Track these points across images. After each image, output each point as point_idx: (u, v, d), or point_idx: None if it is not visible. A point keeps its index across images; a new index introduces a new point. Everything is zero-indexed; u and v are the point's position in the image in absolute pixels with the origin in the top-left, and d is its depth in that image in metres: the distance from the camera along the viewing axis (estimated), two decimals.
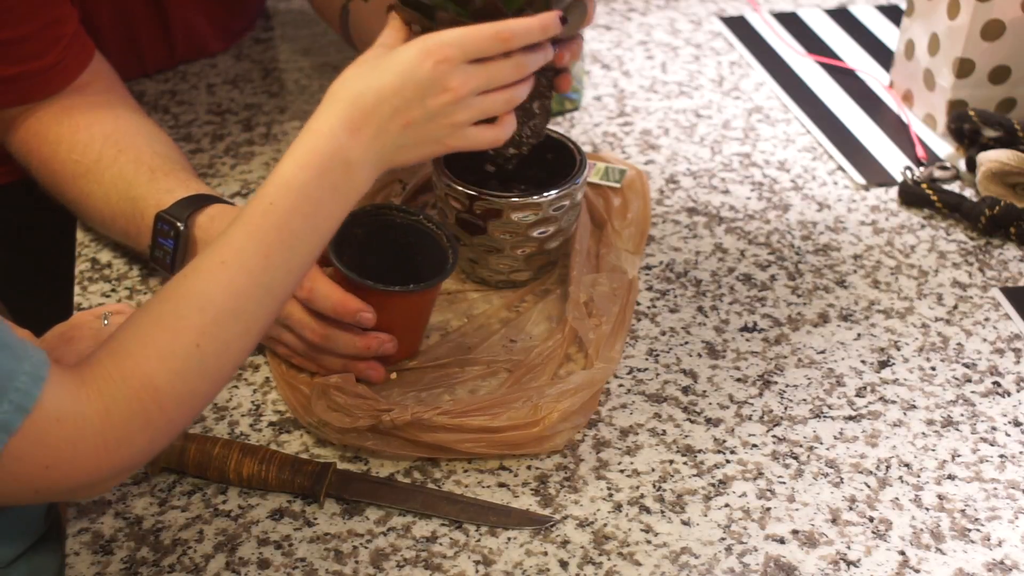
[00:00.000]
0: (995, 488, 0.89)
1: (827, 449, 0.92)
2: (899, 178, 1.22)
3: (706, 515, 0.86)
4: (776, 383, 0.98)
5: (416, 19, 0.85)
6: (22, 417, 0.70)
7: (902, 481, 0.89)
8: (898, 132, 1.30)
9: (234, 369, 0.79)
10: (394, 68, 0.81)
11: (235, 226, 0.78)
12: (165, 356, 0.75)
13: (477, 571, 0.82)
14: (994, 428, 0.94)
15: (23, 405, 0.70)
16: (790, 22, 1.52)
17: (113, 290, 1.06)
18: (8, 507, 0.88)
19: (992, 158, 1.17)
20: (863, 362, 1.00)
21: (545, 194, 0.99)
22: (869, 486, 0.89)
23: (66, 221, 1.15)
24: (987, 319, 1.05)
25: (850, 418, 0.94)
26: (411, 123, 0.81)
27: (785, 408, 0.95)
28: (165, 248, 1.00)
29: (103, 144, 1.06)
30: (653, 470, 0.90)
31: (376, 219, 0.97)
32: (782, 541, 0.84)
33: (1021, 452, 0.92)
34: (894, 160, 1.25)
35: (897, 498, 0.88)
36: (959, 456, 0.91)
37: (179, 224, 0.99)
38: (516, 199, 0.99)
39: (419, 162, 0.85)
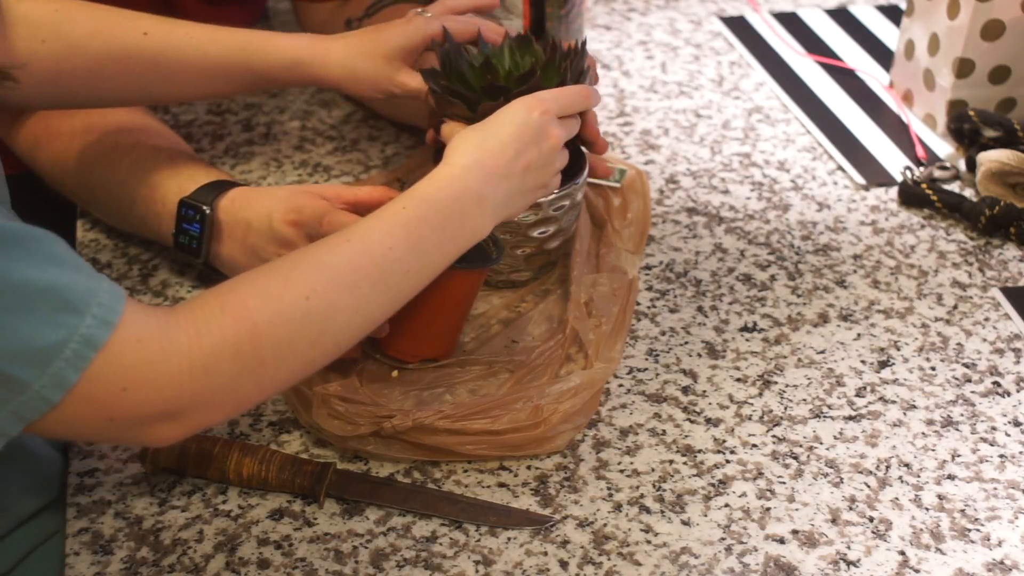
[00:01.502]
0: (995, 488, 0.89)
1: (827, 449, 0.92)
2: (899, 178, 1.22)
3: (706, 515, 0.86)
4: (776, 383, 0.98)
5: (459, 108, 0.96)
6: (108, 331, 0.69)
7: (902, 481, 0.89)
8: (898, 132, 1.30)
9: (335, 346, 0.79)
10: (508, 119, 0.89)
11: (364, 219, 0.82)
12: (271, 299, 0.76)
13: (477, 571, 0.82)
14: (994, 428, 0.94)
15: (108, 319, 0.69)
16: (790, 22, 1.52)
17: None
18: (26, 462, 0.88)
19: (992, 158, 1.17)
20: (863, 362, 1.00)
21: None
22: (869, 486, 0.89)
23: (66, 221, 1.15)
24: (987, 319, 1.05)
25: (850, 418, 0.95)
26: (529, 166, 0.88)
27: (785, 408, 0.95)
28: (191, 233, 1.01)
29: (118, 133, 1.07)
30: (653, 470, 0.90)
31: None
32: (782, 541, 0.84)
33: (1021, 452, 0.92)
34: (894, 160, 1.25)
35: (897, 498, 0.88)
36: (959, 456, 0.91)
37: (205, 208, 1.00)
38: None
39: (524, 209, 0.93)
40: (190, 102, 1.05)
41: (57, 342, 0.68)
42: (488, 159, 0.86)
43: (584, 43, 1.00)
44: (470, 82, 0.98)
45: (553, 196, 0.99)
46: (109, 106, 1.06)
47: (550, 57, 0.99)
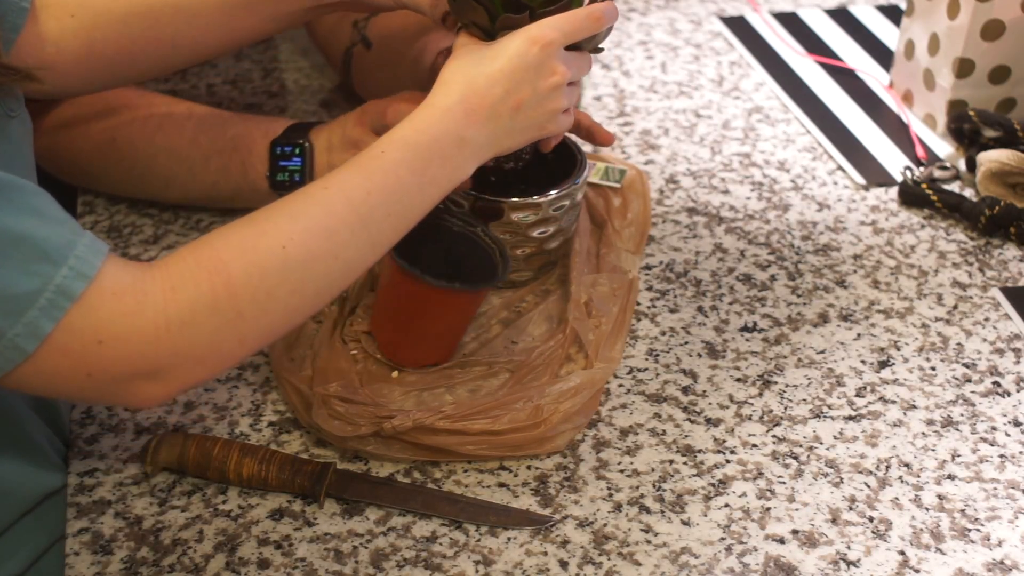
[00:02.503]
0: (995, 488, 0.89)
1: (827, 449, 0.92)
2: (899, 178, 1.22)
3: (706, 515, 0.86)
4: (776, 383, 0.98)
5: (480, 16, 0.89)
6: (84, 284, 0.70)
7: (902, 481, 0.89)
8: (898, 132, 1.30)
9: (316, 295, 0.79)
10: (504, 54, 0.85)
11: (341, 166, 0.81)
12: (246, 249, 0.75)
13: (477, 571, 0.82)
14: (994, 428, 0.94)
15: (84, 272, 0.70)
16: (790, 22, 1.52)
17: None
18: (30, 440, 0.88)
19: (992, 158, 1.17)
20: (863, 362, 1.00)
21: (545, 194, 0.99)
22: (869, 486, 0.89)
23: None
24: (987, 319, 1.05)
25: (850, 418, 0.95)
26: (521, 105, 0.86)
27: (785, 408, 0.95)
28: (290, 169, 1.04)
29: (168, 104, 1.09)
30: (653, 470, 0.90)
31: (433, 220, 0.93)
32: (782, 541, 0.84)
33: (1021, 452, 0.92)
34: (894, 160, 1.25)
35: (897, 498, 0.88)
36: (959, 456, 0.91)
37: (303, 142, 1.03)
38: (516, 199, 0.99)
39: (519, 148, 0.90)
40: (221, 53, 1.06)
41: (32, 291, 0.69)
42: (473, 98, 0.84)
43: None
44: None
45: (552, 196, 0.99)
46: (143, 73, 1.06)
47: None
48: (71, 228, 0.72)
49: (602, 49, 0.96)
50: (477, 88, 0.85)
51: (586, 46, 0.92)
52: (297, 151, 1.03)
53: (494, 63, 0.86)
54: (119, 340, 0.71)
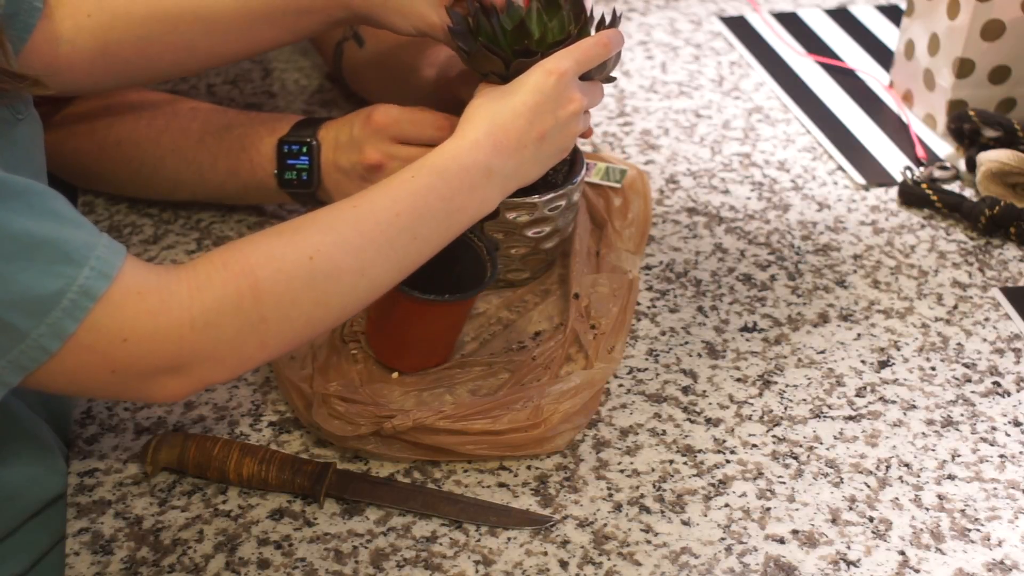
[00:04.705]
0: (995, 488, 0.89)
1: (827, 449, 0.92)
2: (899, 178, 1.22)
3: (706, 515, 0.86)
4: (776, 383, 0.98)
5: (496, 65, 0.92)
6: (106, 283, 0.71)
7: (902, 481, 0.89)
8: (898, 132, 1.30)
9: (340, 308, 0.80)
10: (524, 89, 0.88)
11: (373, 186, 0.83)
12: (274, 256, 0.77)
13: (477, 571, 0.82)
14: (994, 428, 0.94)
15: (106, 272, 0.71)
16: (790, 22, 1.52)
17: None
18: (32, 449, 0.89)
19: (992, 158, 1.17)
20: (863, 362, 1.00)
21: (540, 194, 0.99)
22: (869, 486, 0.89)
23: None
24: (987, 319, 1.05)
25: (850, 418, 0.95)
26: (545, 135, 0.88)
27: (785, 408, 0.95)
28: (298, 168, 1.04)
29: (171, 106, 1.08)
30: (653, 470, 0.90)
31: None
32: (782, 541, 0.84)
33: (1021, 452, 0.92)
34: (894, 160, 1.25)
35: (897, 498, 0.88)
36: (959, 456, 0.91)
37: (310, 140, 1.03)
38: (510, 199, 0.98)
39: (541, 176, 0.93)
40: (237, 60, 1.07)
41: (55, 292, 0.70)
42: (499, 132, 0.87)
43: (618, 15, 0.96)
44: (501, 44, 0.94)
45: (549, 196, 0.99)
46: (157, 75, 1.06)
47: (583, 24, 0.95)
48: (89, 230, 0.73)
49: (614, 78, 0.97)
50: (502, 122, 0.87)
51: (597, 75, 0.94)
52: (304, 149, 1.04)
53: (515, 97, 0.88)
54: (144, 338, 0.73)
